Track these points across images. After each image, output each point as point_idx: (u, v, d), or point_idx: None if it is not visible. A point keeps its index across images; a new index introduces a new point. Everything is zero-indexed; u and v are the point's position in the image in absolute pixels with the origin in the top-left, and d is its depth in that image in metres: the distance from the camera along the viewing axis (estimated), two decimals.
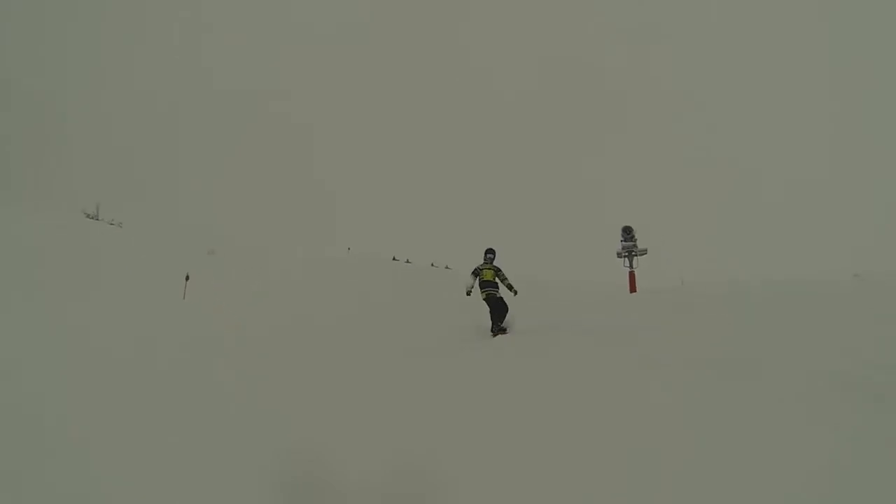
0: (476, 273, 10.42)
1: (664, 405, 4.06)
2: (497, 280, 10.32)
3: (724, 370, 4.57)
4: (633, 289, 20.73)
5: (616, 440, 3.57)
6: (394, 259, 36.47)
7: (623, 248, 22.26)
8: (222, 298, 14.60)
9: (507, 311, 10.09)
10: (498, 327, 9.86)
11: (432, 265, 36.49)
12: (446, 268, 36.02)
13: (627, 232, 22.26)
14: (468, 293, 10.24)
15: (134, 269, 17.73)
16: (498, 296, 10.19)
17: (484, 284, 10.30)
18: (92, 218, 27.81)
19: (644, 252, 22.01)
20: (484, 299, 10.27)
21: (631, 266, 21.97)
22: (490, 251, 10.65)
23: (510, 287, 10.25)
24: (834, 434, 3.22)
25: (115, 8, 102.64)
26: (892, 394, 3.57)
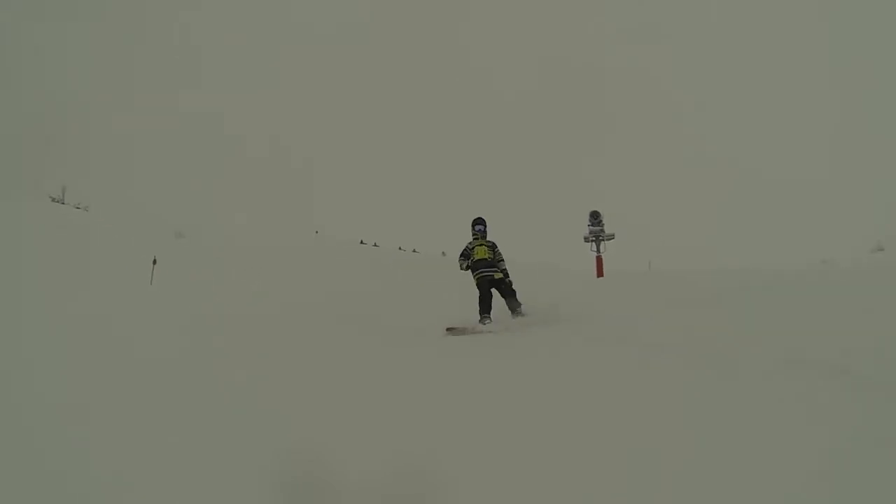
0: (467, 255, 8.66)
1: (664, 405, 4.18)
2: (493, 258, 8.48)
3: (723, 369, 4.68)
4: (600, 273, 21.17)
5: (616, 440, 3.63)
6: (361, 242, 36.39)
7: (590, 233, 22.65)
8: (207, 289, 14.22)
9: (515, 292, 8.42)
10: (515, 310, 8.22)
11: (399, 248, 36.53)
12: (414, 251, 36.14)
13: (595, 217, 22.67)
14: (466, 268, 8.69)
15: (106, 256, 17.08)
16: (496, 277, 8.39)
17: (477, 265, 8.48)
18: (58, 202, 27.12)
19: (611, 237, 22.47)
20: (476, 284, 8.46)
21: (598, 251, 22.41)
22: (479, 221, 8.74)
23: (505, 274, 8.52)
24: (835, 434, 3.32)
25: (116, 8, 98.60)
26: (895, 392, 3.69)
